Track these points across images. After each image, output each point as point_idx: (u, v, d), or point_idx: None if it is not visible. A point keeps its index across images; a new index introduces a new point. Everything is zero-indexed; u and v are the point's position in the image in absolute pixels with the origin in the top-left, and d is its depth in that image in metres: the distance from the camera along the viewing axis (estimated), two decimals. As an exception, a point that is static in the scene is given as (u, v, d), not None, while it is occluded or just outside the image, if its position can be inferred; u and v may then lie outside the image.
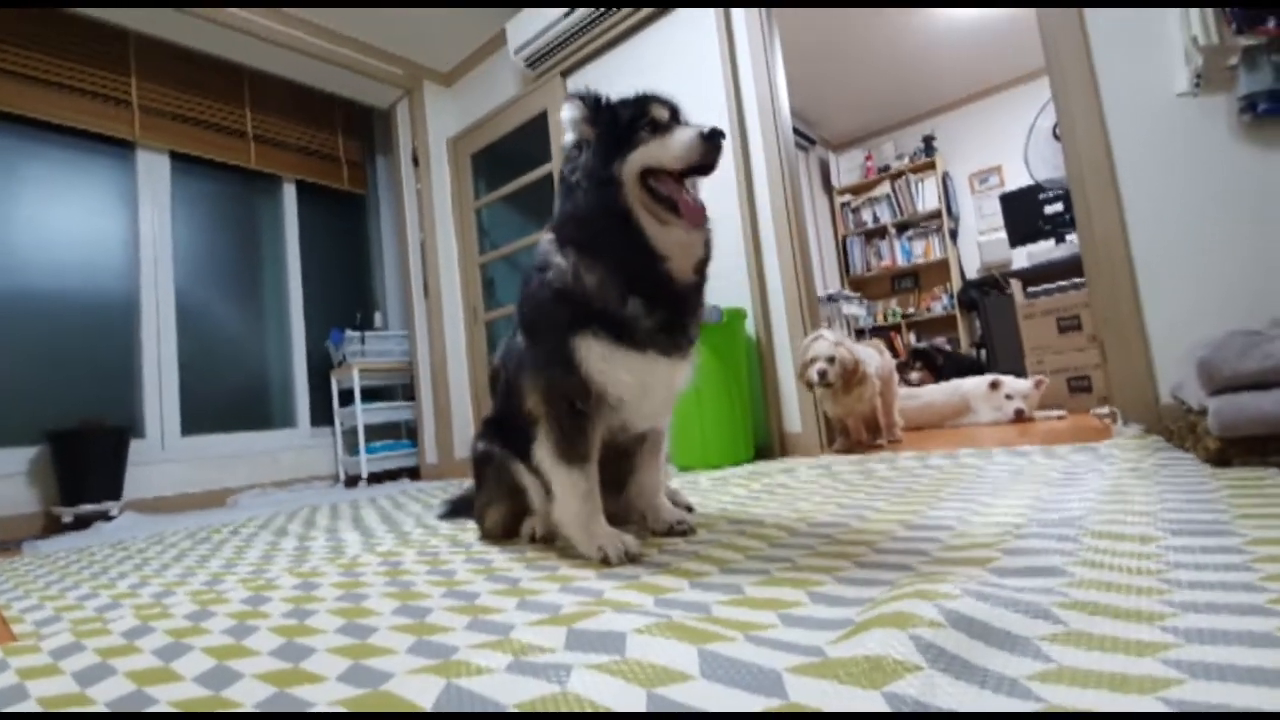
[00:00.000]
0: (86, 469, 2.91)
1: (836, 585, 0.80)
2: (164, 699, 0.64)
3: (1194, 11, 1.62)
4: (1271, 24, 1.52)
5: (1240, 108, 1.65)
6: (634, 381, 1.09)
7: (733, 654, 0.59)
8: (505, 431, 1.25)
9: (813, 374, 2.34)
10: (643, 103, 1.12)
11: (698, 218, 1.08)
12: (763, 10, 2.83)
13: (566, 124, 1.15)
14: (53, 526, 2.88)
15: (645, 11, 3.08)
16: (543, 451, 1.13)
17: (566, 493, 1.12)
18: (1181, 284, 1.87)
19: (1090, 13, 1.94)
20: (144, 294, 3.47)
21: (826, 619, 0.69)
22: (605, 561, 1.04)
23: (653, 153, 1.07)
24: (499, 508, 1.29)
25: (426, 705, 0.55)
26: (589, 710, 0.52)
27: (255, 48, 3.57)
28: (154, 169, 3.59)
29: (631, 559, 1.04)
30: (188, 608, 1.03)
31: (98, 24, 3.30)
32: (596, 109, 1.14)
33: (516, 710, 0.53)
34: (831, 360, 2.31)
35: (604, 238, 1.08)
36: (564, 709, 0.52)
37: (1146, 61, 1.84)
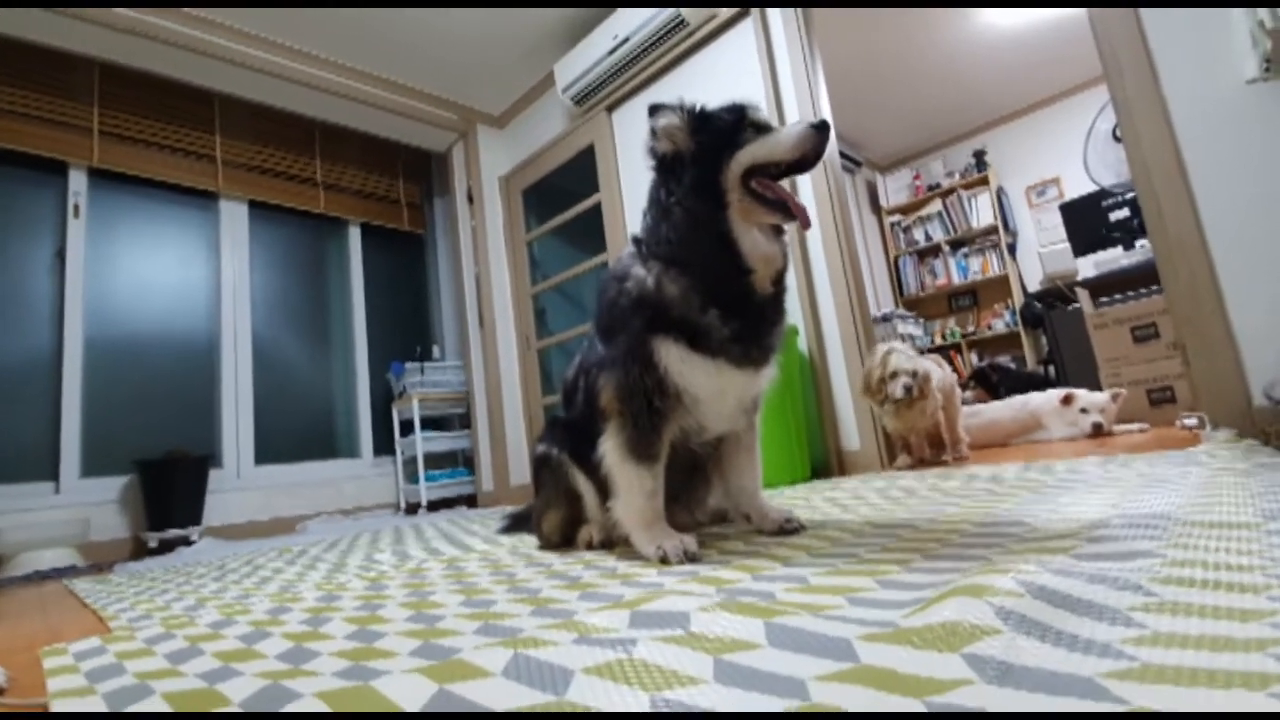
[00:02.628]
0: (171, 496, 3.09)
1: (906, 574, 0.78)
2: (249, 672, 0.67)
3: (1259, -5, 1.56)
4: (1347, 0, 1.45)
5: (1319, 90, 1.57)
6: (709, 383, 1.11)
7: (800, 625, 0.58)
8: (569, 434, 1.28)
9: (897, 389, 2.22)
10: (739, 108, 1.14)
11: (808, 219, 1.11)
12: (803, 37, 2.87)
13: (660, 133, 1.14)
14: (140, 550, 3.05)
15: (685, 46, 3.18)
16: (610, 446, 1.13)
17: (631, 490, 1.12)
18: (1268, 278, 1.76)
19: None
20: (224, 333, 3.71)
21: (897, 600, 0.67)
22: (664, 560, 1.04)
23: (761, 150, 1.09)
24: (556, 513, 1.30)
25: (496, 671, 0.56)
26: (655, 673, 0.51)
27: (325, 101, 3.84)
28: (234, 217, 3.87)
29: (691, 559, 1.03)
30: (266, 605, 1.08)
31: (188, 87, 3.62)
32: (698, 118, 1.13)
33: (583, 674, 0.53)
34: (914, 374, 2.23)
35: (699, 253, 1.10)
36: (630, 674, 0.52)
37: (1209, 50, 1.77)
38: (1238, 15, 1.66)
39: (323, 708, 0.51)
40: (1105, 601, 0.55)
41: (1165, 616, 0.52)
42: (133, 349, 3.40)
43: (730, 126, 1.12)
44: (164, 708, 0.58)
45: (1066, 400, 2.91)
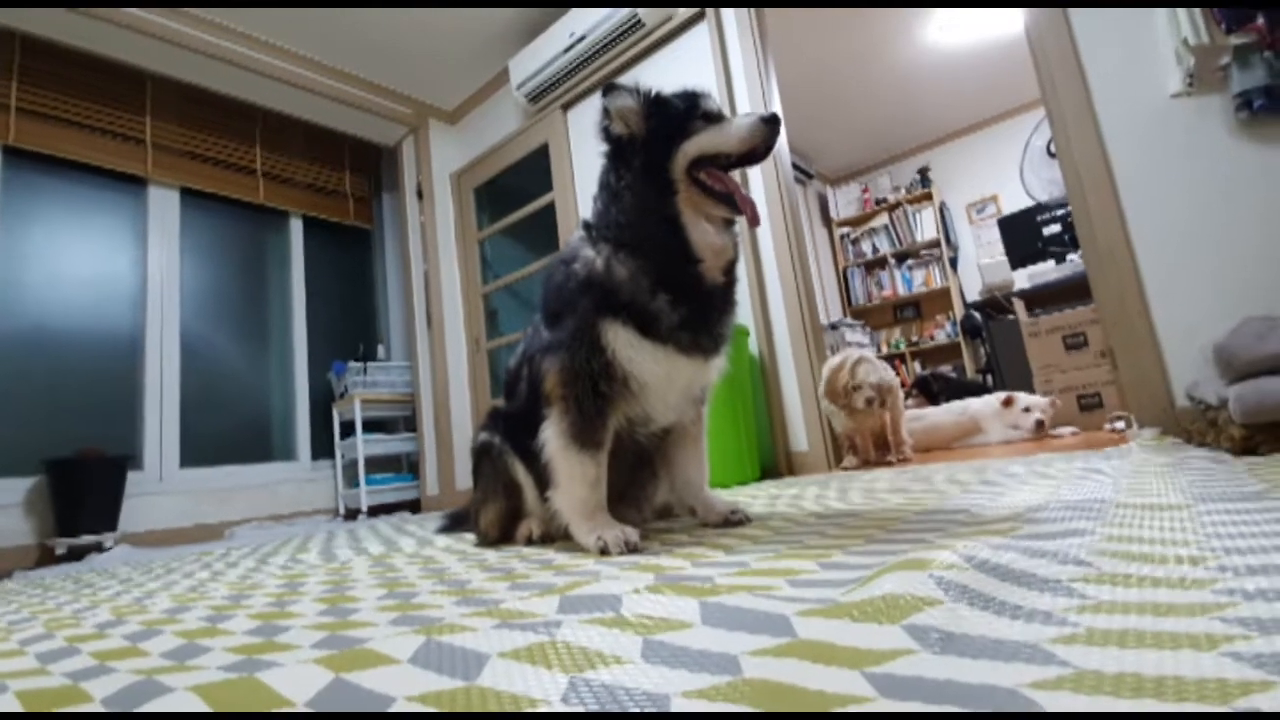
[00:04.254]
0: (83, 500, 2.86)
1: (848, 556, 0.75)
2: (124, 669, 0.59)
3: (1182, 13, 1.64)
4: (1261, 21, 1.54)
5: (1236, 105, 1.65)
6: (658, 370, 1.07)
7: (736, 604, 0.54)
8: (511, 424, 1.22)
9: (859, 400, 2.30)
10: (692, 96, 1.11)
11: (756, 215, 1.07)
12: (758, 45, 2.89)
13: (614, 113, 1.10)
14: (47, 558, 2.81)
15: (641, 46, 3.17)
16: (552, 433, 1.08)
17: (573, 478, 1.07)
18: (1190, 285, 1.84)
19: (1078, 20, 1.97)
20: (149, 327, 3.48)
21: (838, 579, 0.64)
22: (604, 551, 0.99)
23: (710, 140, 1.07)
24: (494, 506, 1.24)
25: (402, 659, 0.50)
26: (578, 655, 0.47)
27: (268, 87, 3.67)
28: (164, 205, 3.65)
29: (632, 549, 0.99)
30: (166, 605, 0.98)
31: (117, 65, 3.40)
32: (652, 102, 1.11)
33: (499, 659, 0.48)
34: (878, 387, 2.29)
35: (647, 236, 1.07)
36: (551, 656, 0.48)
37: (1138, 65, 1.85)
38: (1163, 32, 1.74)
39: (196, 702, 0.44)
40: (1047, 574, 0.54)
41: (1106, 586, 0.50)
42: (46, 342, 3.14)
43: (682, 114, 1.10)
44: (14, 706, 0.50)
45: (1008, 402, 2.99)
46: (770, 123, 1.05)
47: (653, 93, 1.13)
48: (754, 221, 1.09)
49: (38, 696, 0.53)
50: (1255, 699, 0.29)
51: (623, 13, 3.06)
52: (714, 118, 1.10)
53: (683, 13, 3.04)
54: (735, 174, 1.15)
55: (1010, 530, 0.76)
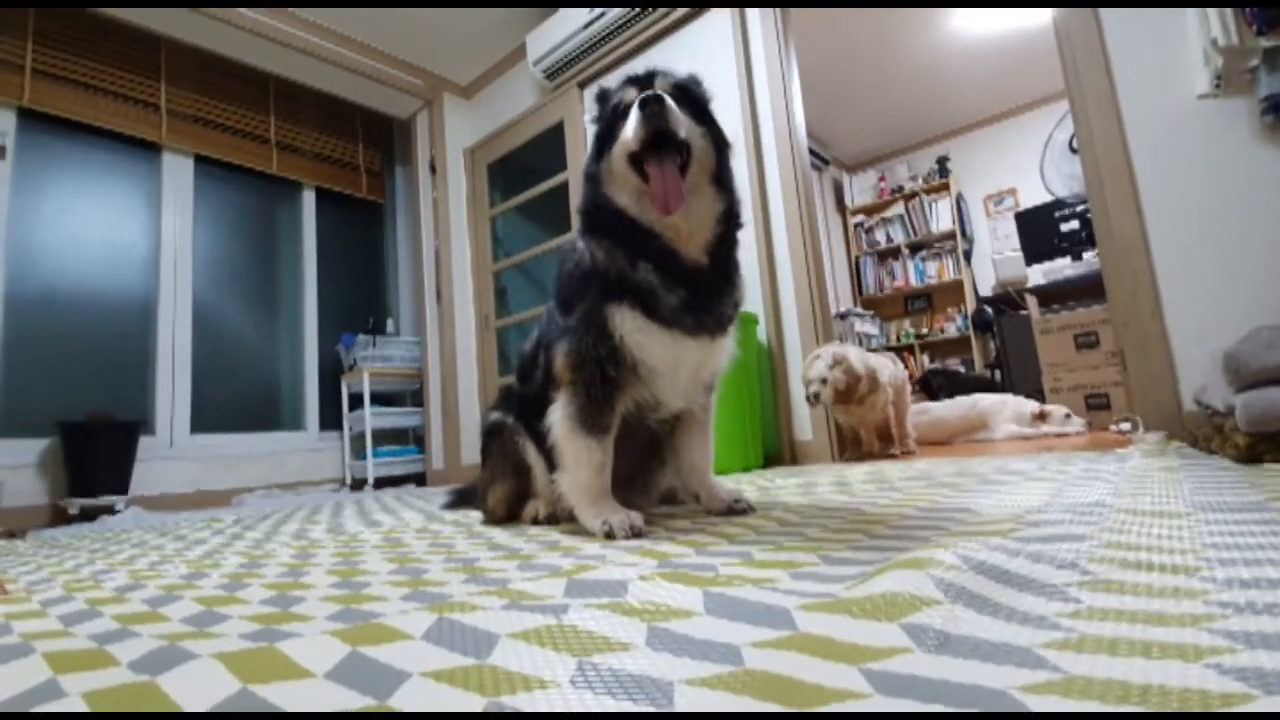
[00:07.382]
0: (95, 462, 2.92)
1: (850, 551, 0.77)
2: (146, 634, 0.62)
3: (1212, 12, 1.61)
4: (1294, 23, 1.51)
5: (1262, 109, 1.63)
6: (665, 354, 1.08)
7: (740, 595, 0.56)
8: (524, 405, 1.25)
9: (809, 394, 2.35)
10: (622, 89, 1.13)
11: (665, 203, 1.02)
12: (779, 28, 2.85)
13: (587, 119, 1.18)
14: (59, 518, 2.87)
15: (661, 25, 3.13)
16: (559, 417, 1.10)
17: (579, 462, 1.09)
18: (1204, 289, 1.83)
19: (1106, 15, 1.94)
20: (162, 293, 3.51)
21: (839, 574, 0.66)
22: (609, 535, 1.01)
23: (624, 141, 1.07)
24: (502, 486, 1.26)
25: (416, 635, 0.52)
26: (585, 639, 0.49)
27: (283, 56, 3.65)
28: (178, 171, 3.66)
29: (636, 534, 1.01)
30: (182, 571, 1.01)
31: (132, 29, 3.39)
32: (598, 102, 1.18)
33: (509, 639, 0.50)
34: (824, 381, 2.31)
35: (603, 222, 1.12)
36: (559, 639, 0.49)
37: (1165, 64, 1.82)
38: (1192, 32, 1.71)
39: (220, 668, 0.46)
40: (1043, 578, 0.55)
41: (1101, 593, 0.51)
42: (60, 305, 3.18)
43: (611, 112, 1.12)
44: (42, 667, 0.52)
45: (1041, 416, 2.98)
46: (644, 106, 1.01)
47: (600, 91, 1.19)
48: (661, 210, 1.03)
49: (64, 658, 0.55)
50: (1235, 711, 0.30)
51: None
52: (630, 110, 1.06)
53: (703, -6, 2.99)
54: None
55: (1010, 532, 0.78)
